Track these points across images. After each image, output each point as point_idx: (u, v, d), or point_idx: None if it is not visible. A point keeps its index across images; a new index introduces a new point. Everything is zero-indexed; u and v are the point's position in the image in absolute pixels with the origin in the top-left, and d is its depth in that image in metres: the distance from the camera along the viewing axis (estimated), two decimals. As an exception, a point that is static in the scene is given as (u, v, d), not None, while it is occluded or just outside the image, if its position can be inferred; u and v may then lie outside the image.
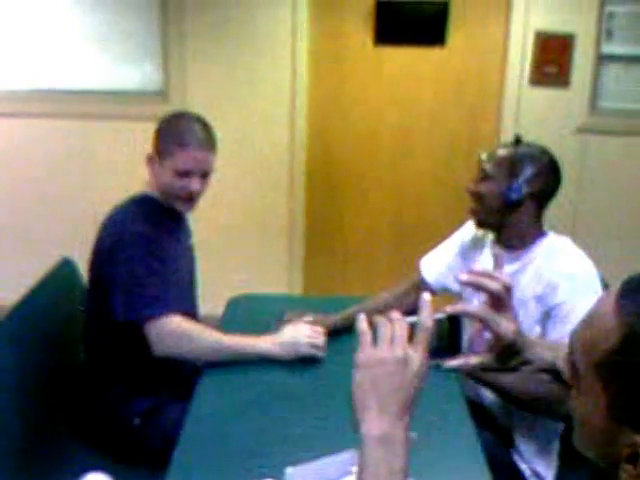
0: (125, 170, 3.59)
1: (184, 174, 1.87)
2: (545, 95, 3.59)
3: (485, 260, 1.87)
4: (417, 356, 0.97)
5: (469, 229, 2.02)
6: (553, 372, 1.25)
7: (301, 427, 1.58)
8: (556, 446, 1.82)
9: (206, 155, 1.90)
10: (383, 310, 2.10)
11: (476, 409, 1.76)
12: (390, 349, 0.97)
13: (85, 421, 1.92)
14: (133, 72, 3.68)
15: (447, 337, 1.27)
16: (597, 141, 3.66)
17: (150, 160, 1.92)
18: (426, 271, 2.08)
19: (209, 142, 1.91)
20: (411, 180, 3.80)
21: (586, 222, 3.66)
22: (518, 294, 1.78)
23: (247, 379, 1.80)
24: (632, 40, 3.61)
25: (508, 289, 1.18)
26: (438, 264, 2.07)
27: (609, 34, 3.58)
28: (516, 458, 1.82)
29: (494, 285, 1.17)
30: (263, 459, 1.44)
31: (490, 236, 1.91)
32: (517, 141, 1.78)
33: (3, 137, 3.69)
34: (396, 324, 1.00)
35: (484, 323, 1.17)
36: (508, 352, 1.19)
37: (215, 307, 2.36)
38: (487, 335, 1.78)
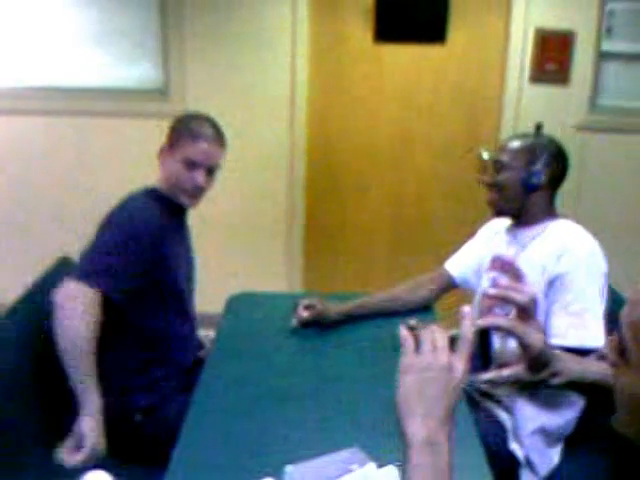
0: (125, 168, 3.60)
1: (192, 165, 1.93)
2: (545, 92, 3.59)
3: (500, 243, 2.00)
4: (460, 365, 0.99)
5: (486, 226, 2.15)
6: (580, 384, 1.27)
7: (301, 426, 1.58)
8: (560, 444, 1.83)
9: (215, 149, 1.97)
10: (394, 300, 2.15)
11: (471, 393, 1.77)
12: (433, 355, 0.99)
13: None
14: (133, 70, 3.67)
15: (477, 349, 1.29)
16: (596, 139, 3.66)
17: (161, 152, 1.99)
18: (450, 265, 2.20)
19: (219, 139, 1.99)
20: (411, 177, 3.80)
21: (585, 219, 3.63)
22: (524, 267, 1.85)
23: (247, 379, 1.80)
24: (632, 37, 3.60)
25: (534, 300, 1.23)
26: (463, 259, 2.18)
27: (609, 31, 3.58)
28: (513, 445, 1.83)
29: (520, 297, 1.22)
30: (263, 458, 1.44)
31: (505, 223, 2.01)
32: (538, 128, 1.92)
33: (1, 135, 3.69)
34: (437, 334, 1.02)
35: (513, 334, 1.22)
36: (538, 363, 1.23)
37: (215, 305, 2.36)
38: (498, 311, 1.82)
